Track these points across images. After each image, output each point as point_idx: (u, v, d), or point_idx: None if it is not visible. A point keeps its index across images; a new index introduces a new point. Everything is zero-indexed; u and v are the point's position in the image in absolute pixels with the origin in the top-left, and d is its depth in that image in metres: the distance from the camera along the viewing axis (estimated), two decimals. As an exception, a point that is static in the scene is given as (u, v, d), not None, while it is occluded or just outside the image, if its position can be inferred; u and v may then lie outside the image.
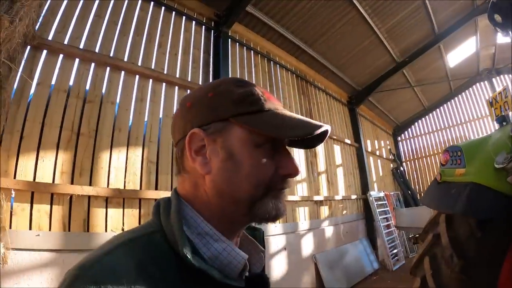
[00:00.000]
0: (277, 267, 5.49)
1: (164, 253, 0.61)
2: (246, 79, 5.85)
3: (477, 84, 13.01)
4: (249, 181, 0.67)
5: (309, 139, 0.73)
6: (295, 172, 0.72)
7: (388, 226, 9.03)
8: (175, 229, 0.63)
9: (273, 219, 0.70)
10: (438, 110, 14.15)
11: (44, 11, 3.56)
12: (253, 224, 0.82)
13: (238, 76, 5.76)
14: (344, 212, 8.31)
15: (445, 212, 2.39)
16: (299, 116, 0.72)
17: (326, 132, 0.72)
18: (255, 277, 0.73)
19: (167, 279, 0.58)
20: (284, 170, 0.71)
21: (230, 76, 5.43)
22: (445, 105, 13.97)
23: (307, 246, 6.42)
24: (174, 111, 0.77)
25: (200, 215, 0.69)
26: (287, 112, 0.73)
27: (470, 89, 13.28)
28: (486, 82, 12.57)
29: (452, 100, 13.77)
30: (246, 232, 0.82)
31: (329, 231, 7.31)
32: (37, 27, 3.43)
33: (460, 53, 10.31)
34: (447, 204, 2.30)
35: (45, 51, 3.53)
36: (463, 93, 13.48)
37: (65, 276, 0.54)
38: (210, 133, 0.69)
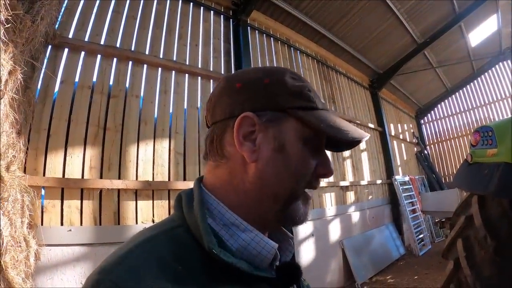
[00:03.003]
0: (306, 253, 5.38)
1: (188, 248, 0.55)
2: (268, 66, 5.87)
3: (500, 63, 12.32)
4: (294, 177, 0.63)
5: (343, 144, 0.73)
6: (331, 172, 0.69)
7: (413, 211, 8.70)
8: (199, 221, 0.57)
9: (299, 223, 0.67)
10: (461, 91, 13.42)
11: (62, 10, 3.48)
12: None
13: (260, 64, 5.64)
14: (370, 197, 8.07)
15: (478, 193, 2.34)
16: (347, 123, 0.70)
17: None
18: (286, 266, 0.67)
19: (193, 276, 0.52)
20: (321, 170, 0.67)
21: (251, 65, 5.28)
22: (468, 86, 13.24)
23: (334, 231, 6.26)
24: (214, 87, 0.65)
25: (225, 204, 0.63)
26: (337, 117, 0.70)
27: (493, 68, 12.55)
28: (509, 61, 11.87)
29: (475, 81, 13.03)
30: None
31: (355, 216, 7.12)
32: (56, 26, 3.35)
33: (481, 32, 9.81)
34: (480, 185, 2.25)
35: (66, 49, 3.47)
36: (485, 73, 12.76)
37: (86, 281, 0.49)
38: (264, 121, 0.63)
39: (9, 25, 2.52)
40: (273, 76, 0.67)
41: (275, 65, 6.01)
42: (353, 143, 0.69)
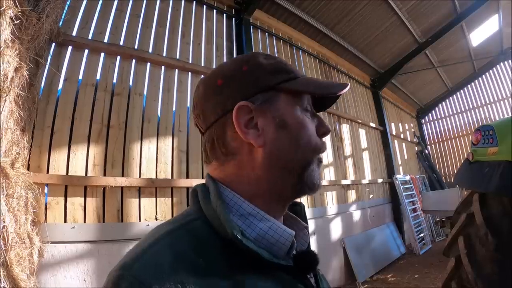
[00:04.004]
0: (307, 252, 5.35)
1: (207, 240, 0.56)
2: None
3: (501, 63, 12.24)
4: (302, 146, 0.65)
5: (326, 101, 0.77)
6: (329, 129, 0.72)
7: (414, 210, 8.66)
8: (218, 212, 0.58)
9: (318, 188, 0.68)
10: (462, 91, 13.36)
11: (66, 7, 3.48)
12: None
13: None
14: (371, 196, 8.04)
15: (479, 192, 2.35)
16: (328, 81, 0.75)
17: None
18: (303, 254, 0.66)
19: (212, 267, 0.52)
20: (321, 129, 0.70)
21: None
22: (469, 85, 13.18)
23: (336, 230, 6.24)
24: (193, 95, 0.69)
25: (240, 196, 0.63)
26: (317, 78, 0.72)
27: (494, 68, 12.48)
28: (510, 61, 11.81)
29: (476, 81, 12.97)
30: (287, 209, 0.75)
31: (356, 215, 7.09)
32: (60, 23, 3.34)
33: (482, 32, 9.74)
34: (481, 183, 2.27)
35: (70, 47, 3.46)
36: (486, 73, 12.70)
37: (108, 278, 0.50)
38: (258, 105, 0.64)
39: (18, 21, 2.52)
40: (249, 62, 0.68)
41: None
42: (338, 96, 0.73)
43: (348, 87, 0.69)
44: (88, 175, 3.23)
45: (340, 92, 0.67)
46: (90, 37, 3.63)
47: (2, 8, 2.34)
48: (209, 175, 0.69)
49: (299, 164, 0.65)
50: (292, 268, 0.61)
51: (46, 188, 2.93)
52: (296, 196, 0.70)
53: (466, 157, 2.62)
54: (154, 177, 3.69)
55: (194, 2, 4.96)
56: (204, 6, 5.12)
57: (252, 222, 0.61)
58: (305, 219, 0.76)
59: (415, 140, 12.42)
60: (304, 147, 0.65)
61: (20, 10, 2.52)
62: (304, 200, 5.52)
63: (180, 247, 0.52)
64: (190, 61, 4.58)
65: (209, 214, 0.59)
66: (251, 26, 5.62)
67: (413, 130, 12.76)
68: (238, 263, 0.55)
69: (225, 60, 5.06)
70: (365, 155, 8.30)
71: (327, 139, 5.97)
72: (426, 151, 12.45)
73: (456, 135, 13.43)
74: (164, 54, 4.30)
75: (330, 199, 6.41)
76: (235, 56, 5.15)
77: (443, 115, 13.93)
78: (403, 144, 11.15)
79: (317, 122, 0.71)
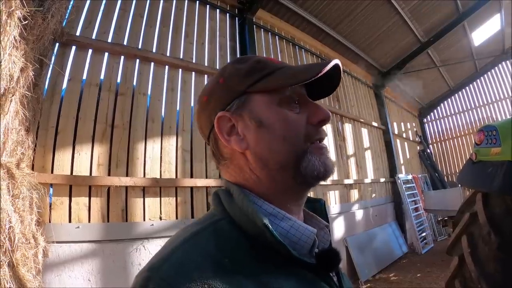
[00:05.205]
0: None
1: (233, 239, 0.57)
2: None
3: (503, 62, 12.18)
4: (286, 140, 0.64)
5: (327, 84, 0.73)
6: (326, 116, 0.68)
7: (416, 209, 8.63)
8: (245, 207, 0.59)
9: (324, 175, 0.66)
10: (463, 90, 13.31)
11: (69, 7, 3.46)
12: (311, 196, 0.78)
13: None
14: (373, 195, 8.02)
15: (482, 191, 2.36)
16: (310, 63, 0.71)
17: (338, 71, 0.70)
18: (325, 252, 0.66)
19: (239, 267, 0.53)
20: (315, 118, 0.68)
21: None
22: (470, 85, 13.13)
23: (338, 229, 6.22)
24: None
25: (259, 197, 0.65)
26: (298, 65, 0.70)
27: (496, 68, 12.43)
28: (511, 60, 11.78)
29: (478, 80, 12.92)
30: (306, 207, 0.76)
31: (359, 214, 7.07)
32: (64, 23, 3.32)
33: (484, 31, 9.70)
34: (484, 183, 2.27)
35: (74, 47, 3.44)
36: (488, 73, 12.64)
37: (135, 279, 0.51)
38: (234, 111, 0.67)
39: (26, 21, 2.51)
40: (224, 73, 0.71)
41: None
42: (337, 79, 0.72)
43: (334, 62, 0.66)
44: (92, 175, 3.22)
45: (322, 71, 0.63)
46: (93, 37, 3.62)
47: (12, 9, 2.32)
48: (226, 180, 0.71)
49: (290, 157, 0.64)
50: (315, 266, 0.61)
51: (50, 188, 2.92)
52: (303, 189, 0.69)
53: (469, 157, 2.63)
54: (158, 176, 3.68)
55: (197, 1, 4.94)
56: (207, 6, 5.11)
57: (273, 222, 0.61)
58: (325, 217, 0.76)
59: (417, 139, 12.39)
60: (291, 140, 0.65)
61: (28, 10, 2.50)
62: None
63: (206, 247, 0.53)
64: (193, 61, 4.56)
65: (234, 213, 0.61)
66: (254, 26, 5.60)
67: (415, 129, 12.74)
68: (264, 262, 0.55)
69: (228, 60, 5.08)
70: (368, 154, 8.29)
71: (329, 139, 5.93)
72: (428, 150, 12.42)
73: (458, 135, 13.39)
74: (168, 54, 4.29)
75: (333, 198, 6.40)
76: (238, 55, 5.17)
77: (445, 114, 13.89)
78: (405, 143, 11.12)
79: (310, 111, 0.69)
